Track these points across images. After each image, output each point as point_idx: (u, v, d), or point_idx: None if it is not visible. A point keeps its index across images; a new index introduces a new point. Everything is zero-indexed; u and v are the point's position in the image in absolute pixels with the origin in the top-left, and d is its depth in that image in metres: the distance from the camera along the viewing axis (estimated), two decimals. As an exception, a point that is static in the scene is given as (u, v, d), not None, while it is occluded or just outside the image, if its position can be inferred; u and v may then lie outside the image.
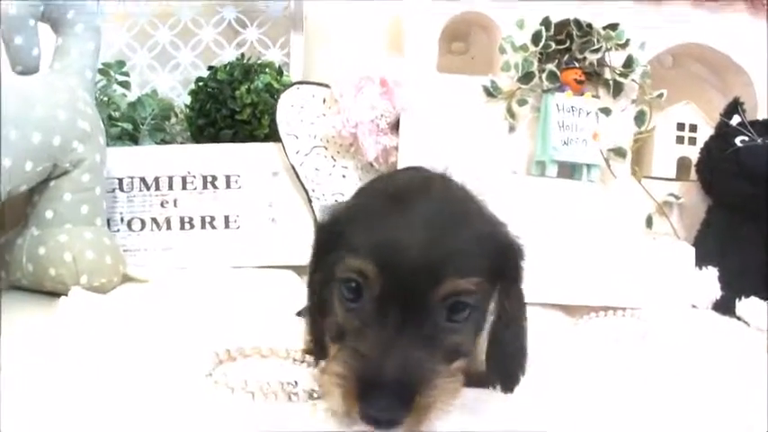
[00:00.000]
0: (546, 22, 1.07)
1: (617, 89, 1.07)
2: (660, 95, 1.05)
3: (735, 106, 1.10)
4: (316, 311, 0.54)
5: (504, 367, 0.51)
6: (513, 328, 0.51)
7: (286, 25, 1.23)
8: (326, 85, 1.03)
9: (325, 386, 0.45)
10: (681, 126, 1.14)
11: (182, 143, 1.15)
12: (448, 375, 0.44)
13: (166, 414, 0.47)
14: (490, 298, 0.50)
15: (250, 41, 1.24)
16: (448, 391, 0.44)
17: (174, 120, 1.17)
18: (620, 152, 1.08)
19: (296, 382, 0.53)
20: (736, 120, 1.08)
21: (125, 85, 1.13)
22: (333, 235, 0.50)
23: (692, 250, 1.01)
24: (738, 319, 0.96)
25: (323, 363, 0.52)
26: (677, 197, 1.10)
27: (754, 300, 0.97)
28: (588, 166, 1.04)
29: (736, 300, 0.97)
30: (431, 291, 0.44)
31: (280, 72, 1.14)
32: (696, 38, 1.13)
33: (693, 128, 1.14)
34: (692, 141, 1.13)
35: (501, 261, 0.49)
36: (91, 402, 0.48)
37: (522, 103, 1.07)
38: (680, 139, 1.13)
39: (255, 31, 1.24)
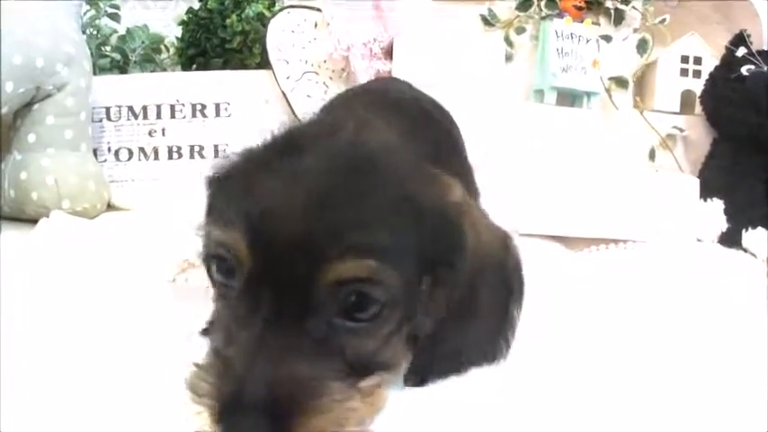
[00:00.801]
0: (549, -52, 1.07)
1: (618, 17, 1.07)
2: (663, 21, 1.04)
3: (741, 37, 1.09)
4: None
5: (421, 367, 0.40)
6: (446, 330, 0.39)
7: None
8: (318, 9, 1.03)
9: (189, 402, 0.33)
10: (685, 59, 1.13)
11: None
12: (348, 393, 0.33)
13: (134, 316, 0.49)
14: (420, 290, 0.38)
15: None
16: (344, 414, 0.32)
17: (164, 54, 1.17)
18: (621, 82, 1.07)
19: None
20: (742, 51, 1.08)
21: (114, 17, 1.13)
22: (214, 197, 0.41)
23: (697, 182, 1.00)
24: (745, 250, 0.95)
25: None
26: (681, 130, 1.09)
27: (760, 230, 0.96)
28: (588, 94, 1.04)
29: (742, 231, 0.96)
30: (314, 276, 0.32)
31: (272, 2, 1.13)
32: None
33: (698, 60, 1.13)
34: (697, 74, 1.12)
35: (432, 238, 0.37)
36: (64, 316, 0.48)
37: (520, 31, 1.07)
38: (684, 72, 1.13)
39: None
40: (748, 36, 1.09)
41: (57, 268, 0.60)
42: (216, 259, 0.36)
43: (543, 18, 1.04)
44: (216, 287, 0.37)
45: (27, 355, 0.42)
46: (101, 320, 0.48)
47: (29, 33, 0.88)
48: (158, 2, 1.25)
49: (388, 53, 1.01)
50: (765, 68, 1.01)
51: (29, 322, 0.47)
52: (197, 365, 0.33)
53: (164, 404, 0.35)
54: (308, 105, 1.03)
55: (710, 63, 1.11)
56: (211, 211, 0.41)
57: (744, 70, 1.02)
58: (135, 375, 0.40)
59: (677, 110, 1.13)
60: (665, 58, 1.13)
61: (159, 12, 1.24)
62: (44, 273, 0.59)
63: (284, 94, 1.03)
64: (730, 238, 0.97)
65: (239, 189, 0.36)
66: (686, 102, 1.13)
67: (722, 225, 1.00)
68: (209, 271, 0.37)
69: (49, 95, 0.92)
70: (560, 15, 1.04)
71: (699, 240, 0.98)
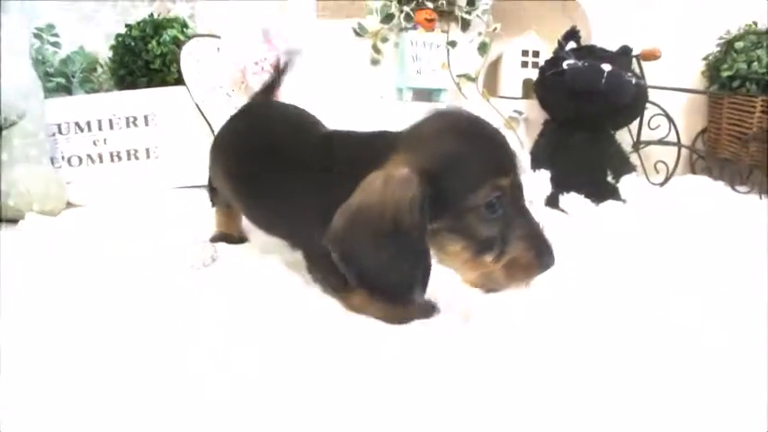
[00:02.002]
0: (407, -31, 1.37)
1: (464, 24, 1.39)
2: (495, 29, 1.36)
3: (571, 34, 1.41)
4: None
5: None
6: None
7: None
8: (219, 37, 1.35)
9: (502, 275, 0.59)
10: (525, 52, 1.45)
11: (107, 90, 1.47)
12: None
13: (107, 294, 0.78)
14: None
15: (161, -1, 1.54)
16: None
17: (99, 70, 1.49)
18: (469, 77, 1.40)
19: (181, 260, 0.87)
20: (571, 45, 1.40)
21: (56, 45, 1.45)
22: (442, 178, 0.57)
23: (528, 156, 1.35)
24: (562, 210, 1.29)
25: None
26: (520, 113, 1.43)
27: (573, 195, 1.31)
28: (438, 90, 1.37)
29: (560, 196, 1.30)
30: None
31: (185, 25, 1.45)
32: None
33: (536, 53, 1.45)
34: (535, 65, 1.44)
35: None
36: (53, 295, 0.77)
37: (384, 40, 1.39)
38: (524, 64, 1.45)
39: (164, -12, 1.54)
40: (577, 32, 1.40)
41: (38, 256, 0.94)
42: (497, 196, 0.58)
43: (401, 30, 1.36)
44: (482, 222, 0.58)
45: (24, 341, 0.62)
46: (83, 295, 0.75)
47: (-3, 75, 1.20)
48: (91, 22, 1.57)
49: (276, 67, 1.34)
50: (581, 63, 1.33)
51: (25, 303, 0.74)
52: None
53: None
54: (216, 113, 1.37)
55: (547, 56, 1.43)
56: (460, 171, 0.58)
57: (564, 65, 1.34)
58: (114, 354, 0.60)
59: (519, 96, 1.46)
60: (509, 52, 1.46)
61: (94, 29, 1.56)
62: (30, 259, 0.93)
63: (197, 105, 1.36)
64: (553, 201, 1.32)
65: (485, 156, 0.59)
66: (526, 88, 1.46)
67: (548, 190, 1.34)
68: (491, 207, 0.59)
69: (14, 123, 1.25)
70: (415, 27, 1.35)
71: (530, 202, 1.34)
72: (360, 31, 1.38)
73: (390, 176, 0.57)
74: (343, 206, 0.59)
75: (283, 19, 1.36)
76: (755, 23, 1.50)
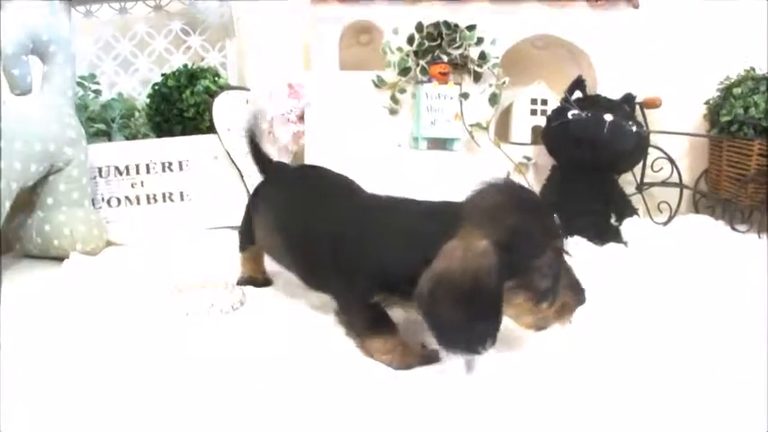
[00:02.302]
0: (419, 26, 1.49)
1: (476, 77, 1.50)
2: (504, 82, 1.47)
3: (577, 83, 1.52)
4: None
5: None
6: None
7: (223, 33, 1.66)
8: (248, 89, 1.47)
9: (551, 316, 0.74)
10: (534, 101, 1.56)
11: (144, 135, 1.60)
12: None
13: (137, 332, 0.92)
14: None
15: (194, 48, 1.67)
16: None
17: (137, 115, 1.62)
18: (480, 126, 1.51)
19: (212, 305, 0.99)
20: (577, 95, 1.50)
21: (97, 92, 1.58)
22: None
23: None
24: (567, 253, 1.40)
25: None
26: (529, 158, 1.54)
27: (576, 238, 1.41)
28: (452, 139, 1.48)
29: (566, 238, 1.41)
30: None
31: (217, 75, 1.57)
32: (545, 30, 1.54)
33: (544, 102, 1.56)
34: (543, 113, 1.55)
35: None
36: (92, 331, 0.92)
37: (402, 91, 1.51)
38: (533, 112, 1.56)
39: (198, 39, 1.68)
40: (583, 81, 1.51)
41: (81, 294, 1.07)
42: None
43: (418, 82, 1.48)
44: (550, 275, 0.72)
45: (64, 373, 0.75)
46: (116, 333, 0.89)
47: (42, 124, 1.32)
48: (129, 68, 1.70)
49: (302, 117, 1.46)
50: (584, 114, 1.43)
51: (63, 338, 0.88)
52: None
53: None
54: (246, 160, 1.49)
55: (554, 104, 1.54)
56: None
57: (569, 114, 1.45)
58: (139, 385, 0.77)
59: (529, 142, 1.57)
60: (519, 101, 1.57)
61: (129, 78, 1.69)
62: (73, 297, 1.06)
63: (228, 153, 1.49)
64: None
65: (543, 225, 0.73)
66: (535, 135, 1.57)
67: (555, 232, 1.45)
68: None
69: (60, 169, 1.38)
70: (430, 80, 1.47)
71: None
72: (378, 83, 1.49)
73: (470, 247, 0.68)
74: (428, 271, 0.69)
75: (307, 72, 1.48)
76: (753, 69, 1.59)
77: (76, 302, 1.03)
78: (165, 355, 0.82)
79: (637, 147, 1.46)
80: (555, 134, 1.47)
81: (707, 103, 1.64)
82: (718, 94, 1.62)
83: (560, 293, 0.73)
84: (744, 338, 0.91)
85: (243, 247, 1.11)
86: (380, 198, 0.85)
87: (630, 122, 1.45)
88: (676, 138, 1.67)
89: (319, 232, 0.84)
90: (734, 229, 1.56)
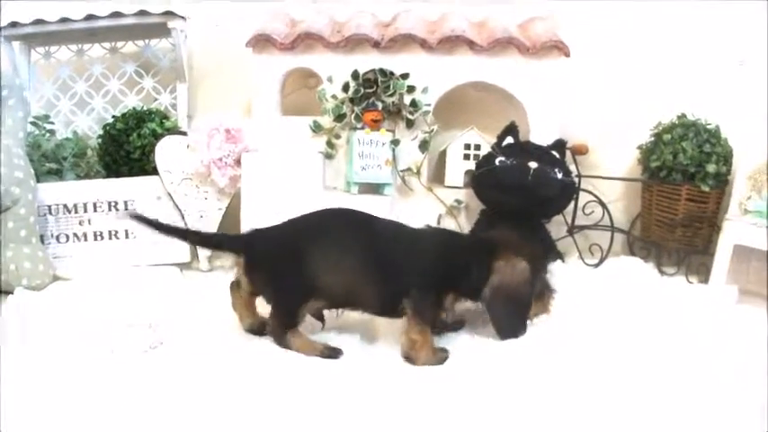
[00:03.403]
0: (354, 74, 1.60)
1: (409, 124, 1.60)
2: (433, 130, 1.58)
3: (509, 129, 1.61)
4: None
5: None
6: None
7: (174, 75, 1.78)
8: (186, 134, 1.58)
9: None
10: (467, 146, 1.66)
11: (96, 173, 1.72)
12: None
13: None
14: None
15: (147, 89, 1.79)
16: None
17: (90, 154, 1.74)
18: (412, 171, 1.61)
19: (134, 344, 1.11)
20: (508, 140, 1.60)
21: (51, 132, 1.71)
22: None
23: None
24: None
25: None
26: (460, 202, 1.64)
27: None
28: (384, 184, 1.58)
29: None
30: None
31: (165, 118, 1.69)
32: (479, 77, 1.64)
33: (477, 147, 1.66)
34: (476, 158, 1.65)
35: None
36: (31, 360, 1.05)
37: (337, 137, 1.61)
38: (466, 157, 1.66)
39: (151, 81, 1.80)
40: (516, 128, 1.61)
41: (19, 327, 1.19)
42: None
43: (352, 129, 1.58)
44: None
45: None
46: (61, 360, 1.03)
47: (-7, 165, 1.45)
48: (85, 108, 1.82)
49: (238, 162, 1.57)
50: (509, 161, 1.53)
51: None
52: None
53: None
54: (186, 201, 1.60)
55: (487, 149, 1.63)
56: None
57: (496, 161, 1.54)
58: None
59: (462, 186, 1.67)
60: (453, 146, 1.67)
61: (85, 117, 1.82)
62: (10, 330, 1.17)
63: (169, 194, 1.60)
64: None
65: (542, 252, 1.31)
66: (468, 179, 1.66)
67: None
68: None
69: (8, 208, 1.50)
70: (363, 127, 1.57)
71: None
72: (315, 129, 1.60)
73: (517, 267, 1.10)
74: (490, 283, 1.10)
75: (247, 118, 1.59)
76: (684, 115, 1.68)
77: (12, 336, 1.14)
78: (79, 392, 0.93)
79: (562, 193, 1.55)
80: (482, 180, 1.56)
81: (639, 147, 1.72)
82: (651, 139, 1.70)
83: (545, 292, 1.22)
84: (666, 378, 1.03)
85: (301, 302, 1.12)
86: (428, 227, 1.21)
87: (557, 169, 1.54)
88: (612, 181, 1.76)
89: (403, 252, 1.11)
90: (661, 272, 1.65)
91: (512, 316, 1.13)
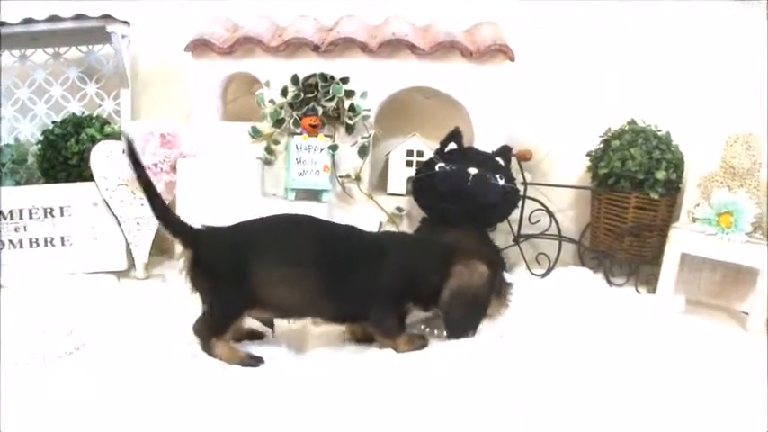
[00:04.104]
0: (294, 78, 1.59)
1: (349, 129, 1.59)
2: (370, 135, 1.57)
3: (453, 135, 1.59)
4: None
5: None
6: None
7: (118, 81, 1.78)
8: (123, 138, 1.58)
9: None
10: (410, 153, 1.65)
11: (38, 178, 1.72)
12: None
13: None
14: None
15: (90, 95, 1.79)
16: None
17: (30, 160, 1.74)
18: (350, 177, 1.60)
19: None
20: (451, 146, 1.58)
21: (-8, 138, 1.71)
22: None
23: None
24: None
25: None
26: (401, 210, 1.62)
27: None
28: (321, 191, 1.57)
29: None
30: None
31: (106, 123, 1.69)
32: (422, 82, 1.63)
33: (420, 154, 1.65)
34: (419, 164, 1.63)
35: None
36: None
37: (276, 143, 1.60)
38: (409, 163, 1.65)
39: (94, 87, 1.80)
40: (459, 133, 1.59)
41: None
42: None
43: (290, 134, 1.57)
44: None
45: None
46: None
47: None
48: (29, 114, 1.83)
49: (175, 167, 1.56)
50: (448, 167, 1.51)
51: None
52: None
53: None
54: (122, 207, 1.59)
55: (430, 155, 1.62)
56: None
57: (436, 167, 1.53)
58: None
59: (404, 193, 1.65)
60: (396, 153, 1.66)
61: (28, 123, 1.82)
62: None
63: (105, 200, 1.60)
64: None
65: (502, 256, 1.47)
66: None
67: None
68: None
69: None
70: (301, 132, 1.56)
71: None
72: (254, 135, 1.59)
73: (476, 271, 1.13)
74: (448, 287, 1.12)
75: (185, 123, 1.59)
76: (634, 121, 1.66)
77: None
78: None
79: (505, 200, 1.53)
80: (421, 186, 1.54)
81: (589, 154, 1.71)
82: (600, 146, 1.69)
83: (503, 287, 1.29)
84: (605, 390, 1.03)
85: (238, 314, 1.10)
86: (387, 233, 1.34)
87: (498, 175, 1.52)
88: (563, 189, 1.75)
89: (362, 265, 1.10)
90: (610, 282, 1.63)
91: (466, 318, 1.16)
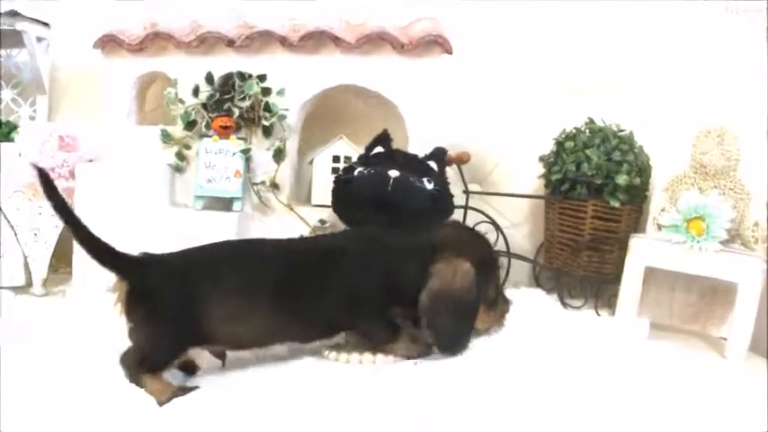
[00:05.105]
0: (208, 77, 1.47)
1: (266, 131, 1.46)
2: (283, 137, 1.43)
3: (380, 138, 1.44)
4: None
5: None
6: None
7: (35, 88, 1.69)
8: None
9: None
10: (336, 158, 1.50)
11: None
12: None
13: None
14: None
15: (6, 101, 1.71)
16: None
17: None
18: (267, 184, 1.46)
19: None
20: (377, 150, 1.43)
21: None
22: None
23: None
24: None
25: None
26: (324, 222, 1.46)
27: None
28: (233, 198, 1.43)
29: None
30: None
31: (14, 128, 1.59)
32: (349, 79, 1.49)
33: (348, 159, 1.50)
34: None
35: None
36: None
37: (188, 147, 1.48)
38: (335, 170, 1.50)
39: (10, 92, 1.71)
40: (388, 136, 1.43)
41: None
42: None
43: (200, 137, 1.44)
44: None
45: None
46: None
47: None
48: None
49: (73, 173, 1.44)
50: (366, 171, 1.34)
51: None
52: None
53: None
54: (18, 215, 1.48)
55: (359, 160, 1.46)
56: None
57: (356, 172, 1.37)
58: None
59: (328, 204, 1.49)
60: (320, 159, 1.51)
61: None
62: None
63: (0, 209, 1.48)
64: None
65: (495, 255, 1.25)
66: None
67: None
68: None
69: None
70: (212, 135, 1.43)
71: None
72: (163, 138, 1.47)
73: (459, 269, 1.02)
74: (428, 289, 1.01)
75: (87, 126, 1.48)
76: (592, 120, 1.49)
77: None
78: None
79: (434, 206, 1.36)
80: (339, 194, 1.39)
81: (542, 159, 1.53)
82: (553, 149, 1.51)
83: (499, 304, 1.15)
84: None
85: (180, 353, 0.98)
86: (357, 231, 1.21)
87: (426, 179, 1.35)
88: (516, 202, 1.57)
89: (329, 276, 1.01)
90: (564, 304, 1.43)
91: (454, 327, 1.04)
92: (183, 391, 0.94)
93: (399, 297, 1.03)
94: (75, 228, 0.96)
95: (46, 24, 1.64)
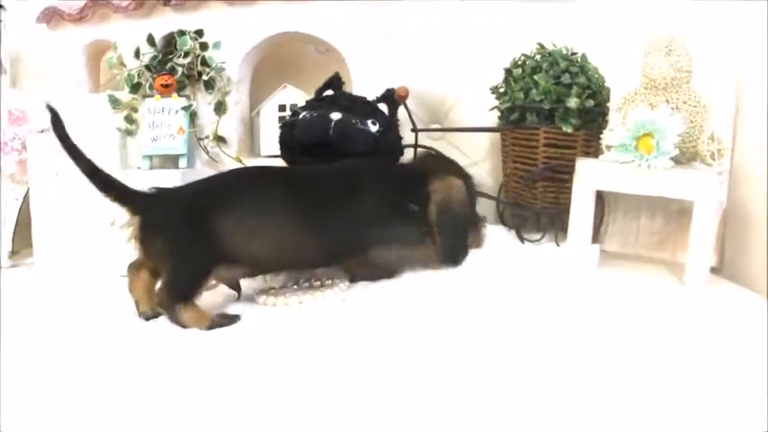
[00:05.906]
0: (150, 38, 1.49)
1: (207, 86, 1.47)
2: (222, 89, 1.43)
3: (331, 82, 1.43)
4: None
5: None
6: None
7: (-3, 72, 1.75)
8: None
9: None
10: (282, 107, 1.50)
11: None
12: None
13: None
14: None
15: (-31, 84, 1.77)
16: None
17: None
18: (211, 138, 1.47)
19: None
20: (328, 93, 1.42)
21: None
22: None
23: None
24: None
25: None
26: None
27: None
28: (179, 156, 1.45)
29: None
30: None
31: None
32: (289, 27, 1.48)
33: (294, 107, 1.49)
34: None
35: None
36: None
37: (135, 110, 1.50)
38: (282, 120, 1.50)
39: (-28, 76, 1.77)
40: (339, 79, 1.43)
41: None
42: None
43: (144, 97, 1.47)
44: None
45: None
46: None
47: None
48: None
49: (25, 146, 1.49)
50: (309, 114, 1.34)
51: None
52: None
53: None
54: (-18, 193, 1.53)
55: (307, 107, 1.46)
56: None
57: (300, 117, 1.37)
58: None
59: (278, 154, 1.50)
60: (266, 109, 1.51)
61: None
62: None
63: (-37, 183, 1.54)
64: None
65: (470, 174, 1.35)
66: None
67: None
68: None
69: None
70: (154, 95, 1.45)
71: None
72: (112, 103, 1.50)
73: (453, 185, 1.17)
74: (434, 201, 1.15)
75: (38, 97, 1.52)
76: (542, 45, 1.44)
77: None
78: None
79: (380, 148, 1.34)
80: (285, 139, 1.39)
81: (493, 90, 1.49)
82: (503, 78, 1.48)
83: (478, 224, 1.29)
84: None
85: (204, 273, 1.00)
86: (354, 161, 1.23)
87: (371, 120, 1.34)
88: (476, 138, 1.55)
89: (345, 199, 1.09)
90: (521, 239, 1.40)
91: (456, 238, 1.18)
92: (224, 318, 0.97)
93: (409, 219, 1.14)
94: (90, 172, 1.03)
95: (1, 6, 1.68)
